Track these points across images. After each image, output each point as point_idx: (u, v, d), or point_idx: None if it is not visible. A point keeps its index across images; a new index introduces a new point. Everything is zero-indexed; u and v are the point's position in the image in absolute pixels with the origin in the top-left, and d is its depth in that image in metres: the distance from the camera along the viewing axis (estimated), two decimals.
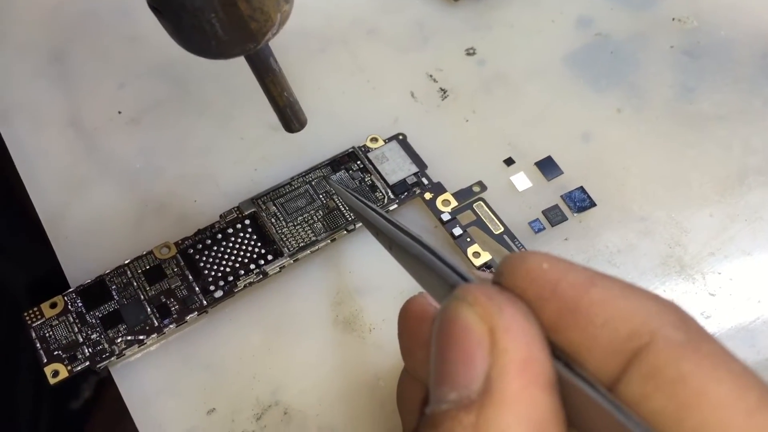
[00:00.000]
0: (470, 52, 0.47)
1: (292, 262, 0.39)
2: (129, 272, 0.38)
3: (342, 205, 0.40)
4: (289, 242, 0.39)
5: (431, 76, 0.46)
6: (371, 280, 0.39)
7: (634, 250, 0.39)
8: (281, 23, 0.31)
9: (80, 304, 0.37)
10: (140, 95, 0.46)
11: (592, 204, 0.41)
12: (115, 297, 0.38)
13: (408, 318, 0.28)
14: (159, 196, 0.42)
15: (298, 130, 0.36)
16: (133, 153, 0.43)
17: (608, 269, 0.39)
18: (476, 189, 0.41)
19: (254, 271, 0.38)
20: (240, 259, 0.39)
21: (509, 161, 0.43)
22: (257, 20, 0.29)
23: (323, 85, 0.46)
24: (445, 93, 0.45)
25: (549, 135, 0.43)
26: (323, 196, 0.41)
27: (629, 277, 0.39)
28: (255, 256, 0.39)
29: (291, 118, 0.36)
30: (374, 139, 0.43)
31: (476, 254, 0.39)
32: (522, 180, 0.42)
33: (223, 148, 0.44)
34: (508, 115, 0.44)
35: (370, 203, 0.38)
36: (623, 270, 0.39)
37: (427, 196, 0.41)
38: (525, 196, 0.41)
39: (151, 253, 0.39)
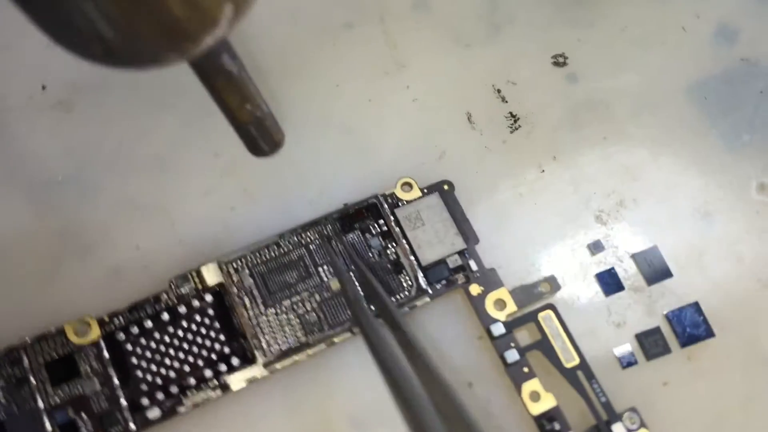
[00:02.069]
0: (559, 61, 0.33)
1: (267, 373, 0.27)
2: (26, 360, 0.26)
3: (354, 288, 0.28)
4: (267, 341, 0.27)
5: (499, 91, 0.32)
6: (377, 412, 0.27)
7: (761, 407, 0.27)
8: (237, 14, 0.18)
9: None
10: (76, 64, 0.31)
11: (709, 333, 0.28)
12: (2, 401, 0.25)
13: None
14: (86, 230, 0.29)
15: (270, 155, 0.24)
16: (56, 155, 0.30)
17: None
18: (545, 288, 0.29)
19: (210, 383, 0.26)
20: (192, 359, 0.26)
21: (597, 246, 0.30)
22: (183, 17, 0.16)
23: (343, 82, 0.32)
24: (516, 121, 0.31)
25: (657, 209, 0.30)
26: (325, 270, 0.28)
27: None
28: (214, 356, 0.27)
29: (257, 138, 0.23)
30: (407, 186, 0.29)
31: (534, 396, 0.27)
32: (611, 279, 0.29)
33: (189, 165, 0.30)
34: (601, 169, 0.31)
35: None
36: None
37: (474, 290, 0.28)
38: (614, 305, 0.29)
39: (62, 332, 0.26)
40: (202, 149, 0.30)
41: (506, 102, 0.32)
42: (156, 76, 0.31)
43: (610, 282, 0.29)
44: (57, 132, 0.30)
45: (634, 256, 0.29)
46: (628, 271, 0.29)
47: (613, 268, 0.29)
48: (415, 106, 0.31)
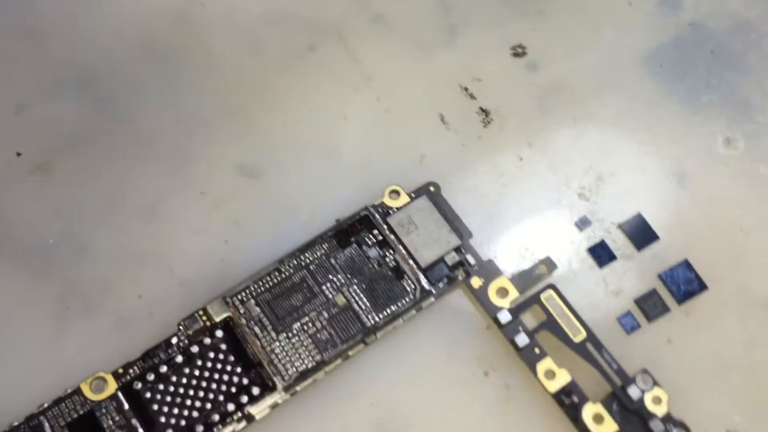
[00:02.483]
0: (518, 52, 0.34)
1: (288, 397, 0.27)
2: (47, 426, 0.26)
3: (358, 300, 0.28)
4: (283, 366, 0.27)
5: (466, 89, 0.33)
6: (403, 415, 0.27)
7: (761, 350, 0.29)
8: None
9: None
10: (49, 125, 0.31)
11: (702, 287, 0.29)
12: None
13: None
14: (85, 289, 0.29)
15: None
16: (43, 218, 0.30)
17: (728, 380, 0.28)
18: (542, 270, 0.29)
19: (234, 416, 0.26)
20: (213, 395, 0.27)
21: (583, 222, 0.31)
22: None
23: (316, 105, 0.32)
24: (487, 116, 0.32)
25: (633, 179, 0.31)
26: (329, 288, 0.28)
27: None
28: (234, 389, 0.27)
29: None
30: (395, 193, 0.30)
31: (550, 374, 0.28)
32: (603, 251, 0.30)
33: (178, 208, 0.30)
34: (575, 149, 0.32)
35: None
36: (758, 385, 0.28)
37: (476, 282, 0.29)
38: (610, 275, 0.30)
39: (78, 391, 0.26)
40: (187, 190, 0.31)
41: (475, 98, 0.33)
42: (131, 127, 0.32)
43: (602, 254, 0.30)
44: (40, 196, 0.30)
45: (620, 226, 0.30)
46: (617, 241, 0.30)
47: (603, 241, 0.30)
48: (389, 115, 0.32)
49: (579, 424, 0.27)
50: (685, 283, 0.29)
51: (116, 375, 0.27)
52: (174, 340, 0.27)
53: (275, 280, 0.28)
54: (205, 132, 0.31)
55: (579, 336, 0.28)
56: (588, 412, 0.27)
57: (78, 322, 0.28)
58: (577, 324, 0.28)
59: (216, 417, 0.26)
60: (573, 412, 0.27)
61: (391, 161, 0.31)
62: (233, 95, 0.32)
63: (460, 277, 0.29)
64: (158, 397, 0.26)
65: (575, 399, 0.27)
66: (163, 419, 0.26)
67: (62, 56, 0.33)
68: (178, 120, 0.32)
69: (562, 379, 0.27)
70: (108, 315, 0.28)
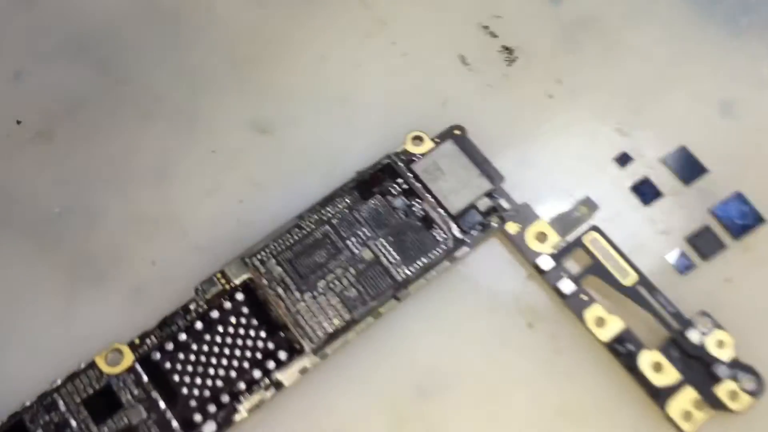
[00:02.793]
0: None
1: (318, 360, 0.25)
2: (62, 403, 0.24)
3: (386, 253, 0.26)
4: (311, 327, 0.25)
5: (486, 27, 0.31)
6: (443, 373, 0.25)
7: None
8: None
9: None
10: (49, 91, 0.30)
11: (759, 220, 0.27)
12: None
13: None
14: (95, 258, 0.27)
15: None
16: (47, 187, 0.28)
17: None
18: (583, 211, 0.27)
19: (261, 383, 0.25)
20: (237, 363, 0.25)
21: (624, 159, 0.28)
22: None
23: (328, 53, 0.30)
24: (511, 54, 0.30)
25: (675, 111, 0.29)
26: (354, 242, 0.26)
27: None
28: (259, 355, 0.25)
29: None
30: (418, 139, 0.28)
31: (600, 322, 0.25)
32: (648, 187, 0.28)
33: (188, 168, 0.28)
34: (609, 83, 0.30)
35: None
36: None
37: (512, 228, 0.27)
38: (657, 214, 0.27)
39: (93, 365, 0.25)
40: (197, 150, 0.29)
41: (496, 36, 0.30)
42: (134, 88, 0.30)
43: (646, 191, 0.28)
44: (43, 164, 0.28)
45: (664, 161, 0.28)
46: (662, 177, 0.28)
47: (646, 177, 0.28)
48: (406, 60, 0.30)
49: (636, 373, 0.25)
50: (740, 217, 0.27)
51: (133, 346, 0.25)
52: (192, 306, 0.25)
53: (296, 238, 0.26)
54: (213, 89, 0.30)
55: (629, 279, 0.26)
56: (645, 360, 0.25)
57: (90, 294, 0.26)
58: (626, 266, 0.26)
59: (242, 385, 0.24)
60: (629, 361, 0.25)
61: (411, 107, 0.29)
62: (238, 49, 0.30)
63: (494, 224, 0.27)
64: (179, 367, 0.25)
65: (630, 347, 0.25)
66: (185, 390, 0.24)
67: (59, 19, 0.31)
68: (183, 78, 0.30)
69: (614, 326, 0.25)
70: (121, 284, 0.26)
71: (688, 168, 0.28)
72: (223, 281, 0.26)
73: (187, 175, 0.28)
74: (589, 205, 0.27)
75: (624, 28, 0.30)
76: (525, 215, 0.27)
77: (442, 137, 0.28)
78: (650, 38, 0.30)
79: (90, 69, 0.30)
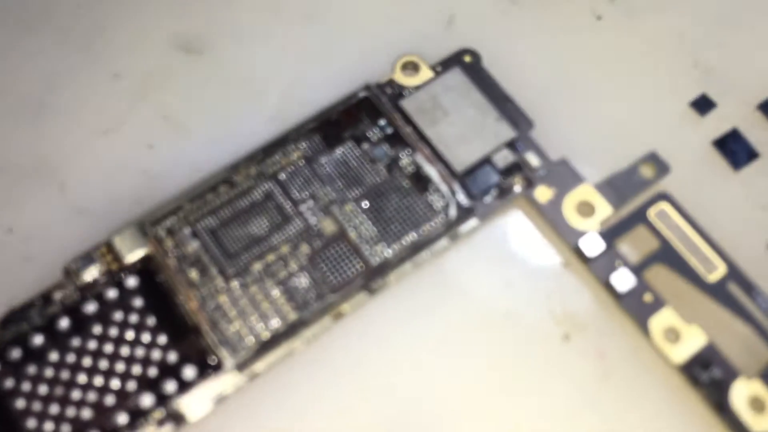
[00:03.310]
0: None
1: (244, 382, 0.16)
2: None
3: (357, 224, 0.18)
4: (236, 329, 0.16)
5: None
6: (433, 403, 0.17)
7: None
8: None
9: None
10: None
11: None
12: None
13: None
14: None
15: None
16: None
17: None
18: (646, 173, 0.19)
19: (153, 415, 0.16)
20: (119, 383, 0.16)
21: (703, 103, 0.20)
22: None
23: None
24: None
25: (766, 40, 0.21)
26: (311, 207, 0.18)
27: None
28: (155, 370, 0.16)
29: None
30: (411, 66, 0.20)
31: (671, 334, 0.17)
32: (739, 144, 0.19)
33: (79, 99, 0.20)
34: (681, 2, 0.21)
35: None
36: None
37: (543, 194, 0.18)
38: (751, 180, 0.19)
39: None
40: (94, 72, 0.20)
41: None
42: None
43: (736, 149, 0.19)
44: None
45: (761, 107, 0.20)
46: (758, 130, 0.20)
47: (735, 130, 0.20)
48: None
49: (726, 411, 0.16)
50: None
51: None
52: (57, 295, 0.17)
53: (224, 198, 0.18)
54: None
55: (716, 272, 0.18)
56: (740, 392, 0.17)
57: None
58: (710, 252, 0.18)
59: (122, 418, 0.16)
60: (715, 394, 0.17)
61: (403, 25, 0.21)
62: None
63: (517, 188, 0.18)
64: (25, 387, 0.16)
65: (717, 373, 0.17)
66: (32, 424, 0.16)
67: None
68: None
69: (693, 341, 0.17)
70: None
71: None
72: (108, 258, 0.17)
73: (75, 109, 0.20)
74: (655, 164, 0.19)
75: None
76: (562, 177, 0.19)
77: (445, 65, 0.20)
78: None
79: None
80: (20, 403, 0.16)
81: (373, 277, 0.17)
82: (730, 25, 0.21)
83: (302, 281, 0.17)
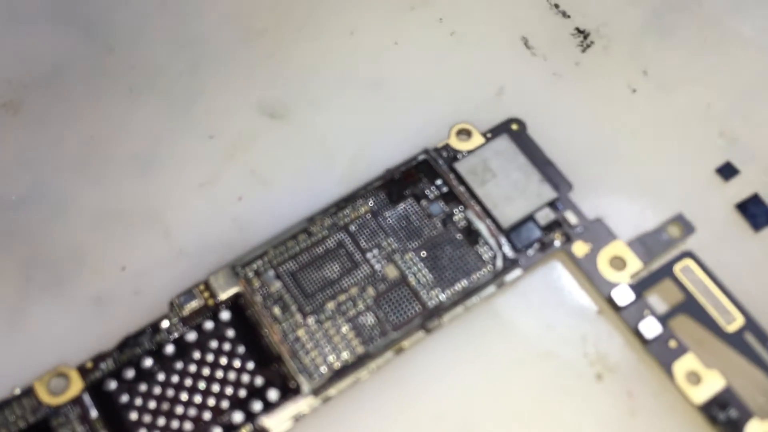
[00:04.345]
0: None
1: (319, 404, 0.19)
2: None
3: (416, 272, 0.20)
4: (312, 359, 0.19)
5: (557, 5, 0.25)
6: (480, 430, 0.19)
7: None
8: None
9: None
10: (21, 56, 0.25)
11: None
12: None
13: None
14: (54, 258, 0.22)
15: None
16: (5, 170, 0.23)
17: None
18: (674, 232, 0.21)
19: (243, 429, 0.19)
20: (214, 401, 0.19)
21: (728, 170, 0.22)
22: None
23: (360, 28, 0.25)
24: (586, 38, 0.25)
25: None
26: (376, 256, 0.21)
27: None
28: (244, 392, 0.19)
29: None
30: (464, 133, 0.22)
31: (693, 378, 0.19)
32: (760, 207, 0.22)
33: (179, 156, 0.23)
34: (709, 78, 0.24)
35: None
36: None
37: (580, 249, 0.21)
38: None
39: (30, 392, 0.19)
40: (192, 134, 0.24)
41: (568, 17, 0.25)
42: (123, 58, 0.25)
43: (757, 212, 0.22)
44: (4, 140, 0.23)
45: None
46: None
47: (757, 195, 0.22)
48: (455, 40, 0.25)
49: None
50: None
51: (83, 370, 0.19)
52: (164, 324, 0.20)
53: (303, 245, 0.21)
54: (218, 63, 0.24)
55: (734, 323, 0.20)
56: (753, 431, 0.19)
57: (42, 299, 0.21)
58: (729, 305, 0.20)
59: (217, 431, 0.19)
60: None
61: (458, 96, 0.24)
62: (253, 18, 0.25)
63: (557, 243, 0.21)
64: (138, 402, 0.19)
65: (733, 414, 0.19)
66: None
67: None
68: (183, 49, 0.25)
69: (713, 384, 0.19)
70: (80, 291, 0.21)
71: None
72: (206, 295, 0.20)
73: (176, 165, 0.23)
74: (682, 225, 0.21)
75: (727, 11, 0.25)
76: (597, 234, 0.21)
77: (494, 132, 0.23)
78: (760, 24, 0.24)
79: (72, 32, 0.25)
80: (133, 416, 0.19)
81: (429, 318, 0.20)
82: (754, 97, 0.23)
83: (368, 319, 0.20)
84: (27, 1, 0.26)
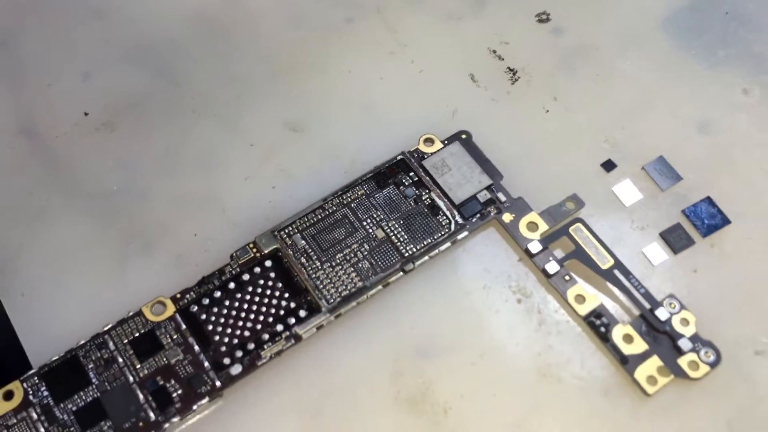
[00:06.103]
0: (543, 18, 0.36)
1: (332, 319, 0.29)
2: (111, 343, 0.28)
3: (396, 233, 0.30)
4: (327, 291, 0.29)
5: (494, 51, 0.35)
6: (441, 338, 0.29)
7: None
8: None
9: (46, 393, 0.27)
10: (113, 89, 0.35)
11: (725, 221, 0.31)
12: (94, 380, 0.27)
13: None
14: (146, 229, 0.31)
15: None
16: (107, 170, 0.33)
17: (755, 306, 0.29)
18: (570, 206, 0.31)
19: (282, 335, 0.28)
20: (262, 317, 0.29)
21: (609, 165, 0.32)
22: None
23: (355, 68, 0.35)
24: (514, 74, 0.35)
25: (656, 127, 0.33)
26: (369, 223, 0.30)
27: None
28: (282, 312, 0.29)
29: None
30: (429, 141, 0.32)
31: (580, 298, 0.29)
32: (629, 190, 0.32)
33: (229, 158, 0.33)
34: (599, 101, 0.34)
35: None
36: None
37: (507, 217, 0.31)
38: (635, 213, 0.31)
39: (140, 314, 0.29)
40: (238, 143, 0.33)
41: (503, 60, 0.35)
42: (187, 91, 0.35)
43: (627, 193, 0.32)
44: (105, 149, 0.33)
45: (644, 168, 0.32)
46: (641, 182, 0.32)
47: (628, 180, 0.32)
48: (423, 76, 0.35)
49: (609, 344, 0.28)
50: (709, 218, 0.31)
51: (174, 299, 0.29)
52: (227, 269, 0.29)
53: (319, 217, 0.31)
54: (254, 93, 0.34)
55: (607, 263, 0.30)
56: (618, 332, 0.28)
57: (139, 259, 0.31)
58: (605, 252, 0.30)
59: (266, 336, 0.28)
60: (603, 333, 0.28)
61: (425, 115, 0.34)
62: (278, 61, 0.35)
63: (492, 213, 0.31)
64: (213, 319, 0.29)
65: (605, 321, 0.29)
66: (217, 338, 0.28)
67: (124, 31, 0.36)
68: (229, 83, 0.35)
69: (592, 303, 0.29)
70: (167, 252, 0.31)
71: (665, 175, 0.32)
72: (254, 250, 0.30)
73: (228, 164, 0.33)
74: (576, 200, 0.31)
75: (615, 56, 0.35)
76: (519, 207, 0.31)
77: (450, 140, 0.32)
78: (638, 65, 0.34)
79: (149, 73, 0.35)
80: (209, 327, 0.28)
81: (405, 263, 0.30)
82: (630, 114, 0.33)
83: (365, 264, 0.30)
84: (115, 51, 0.35)
